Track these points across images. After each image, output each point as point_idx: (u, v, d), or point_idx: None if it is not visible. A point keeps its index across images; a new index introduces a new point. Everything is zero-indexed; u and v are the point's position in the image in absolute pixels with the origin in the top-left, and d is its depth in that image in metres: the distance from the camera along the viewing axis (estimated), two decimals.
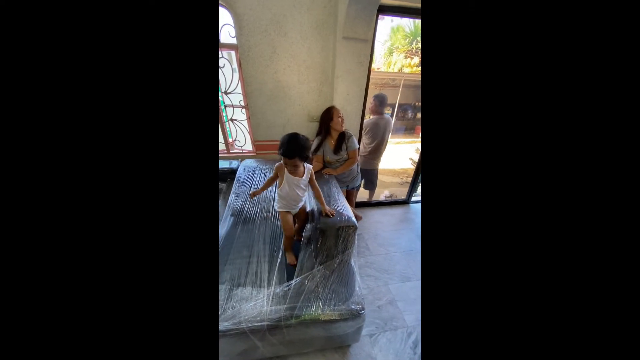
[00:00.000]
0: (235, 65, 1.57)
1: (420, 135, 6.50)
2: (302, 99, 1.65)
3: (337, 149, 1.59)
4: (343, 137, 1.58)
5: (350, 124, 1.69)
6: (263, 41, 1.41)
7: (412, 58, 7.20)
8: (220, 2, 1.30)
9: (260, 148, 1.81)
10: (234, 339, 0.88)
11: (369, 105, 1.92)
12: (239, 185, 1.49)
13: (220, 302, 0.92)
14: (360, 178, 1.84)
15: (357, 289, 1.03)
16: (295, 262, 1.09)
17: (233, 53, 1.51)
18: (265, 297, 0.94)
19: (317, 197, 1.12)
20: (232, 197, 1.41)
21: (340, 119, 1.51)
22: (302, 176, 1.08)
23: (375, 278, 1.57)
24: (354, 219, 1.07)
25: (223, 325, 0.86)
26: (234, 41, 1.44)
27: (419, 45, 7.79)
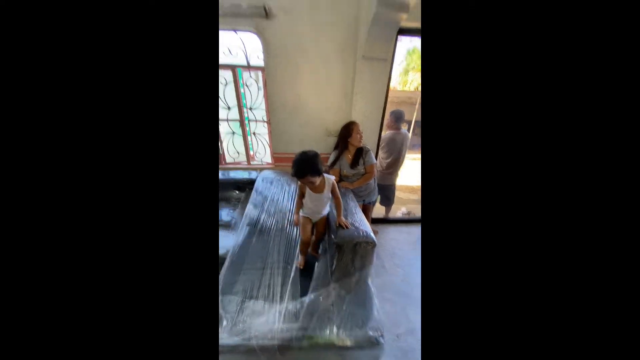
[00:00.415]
0: (261, 84, 1.70)
1: None
2: (320, 114, 1.71)
3: (354, 164, 1.59)
4: (361, 151, 1.59)
5: (367, 139, 1.70)
6: (288, 63, 1.52)
7: None
8: (252, 30, 1.45)
9: (278, 160, 1.87)
10: (242, 356, 0.84)
11: (385, 121, 1.93)
12: (256, 195, 1.52)
13: (232, 315, 0.90)
14: (376, 193, 1.80)
15: (375, 312, 0.95)
16: (302, 266, 1.09)
17: (260, 73, 1.65)
18: (277, 313, 0.91)
19: (337, 206, 1.11)
20: (249, 207, 1.44)
21: (359, 136, 1.53)
22: (323, 191, 1.09)
23: (393, 302, 1.45)
24: (372, 234, 1.03)
25: (233, 340, 0.83)
26: (261, 63, 1.57)
27: None
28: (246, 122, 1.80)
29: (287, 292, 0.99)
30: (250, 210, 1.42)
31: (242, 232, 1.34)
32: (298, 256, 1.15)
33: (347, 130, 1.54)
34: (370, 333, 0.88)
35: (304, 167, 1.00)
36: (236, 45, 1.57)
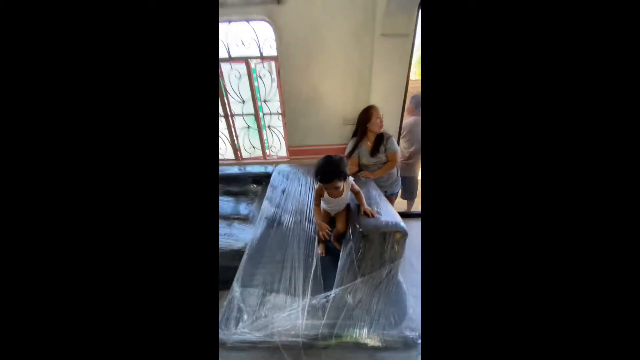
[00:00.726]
0: (274, 75, 1.66)
1: None
2: (337, 103, 1.62)
3: (374, 151, 1.48)
4: (381, 138, 1.47)
5: (387, 126, 1.57)
6: (301, 50, 1.46)
7: None
8: (264, 17, 1.41)
9: (294, 153, 1.82)
10: (265, 353, 0.78)
11: (406, 106, 1.79)
12: (272, 190, 1.48)
13: (252, 308, 0.85)
14: (399, 184, 1.67)
15: (409, 311, 0.84)
16: (324, 254, 1.06)
17: (273, 63, 1.61)
18: (300, 309, 0.83)
19: (358, 198, 1.04)
20: (265, 202, 1.40)
21: (378, 120, 1.42)
22: (342, 194, 1.07)
23: None
24: (402, 223, 0.92)
25: (254, 335, 0.78)
26: (274, 52, 1.53)
27: None
28: (261, 115, 1.78)
29: (309, 285, 0.92)
30: (266, 204, 1.38)
31: (260, 225, 1.30)
32: (318, 244, 1.08)
33: (366, 115, 1.44)
34: (407, 333, 0.78)
35: (332, 172, 0.97)
36: (249, 37, 1.55)
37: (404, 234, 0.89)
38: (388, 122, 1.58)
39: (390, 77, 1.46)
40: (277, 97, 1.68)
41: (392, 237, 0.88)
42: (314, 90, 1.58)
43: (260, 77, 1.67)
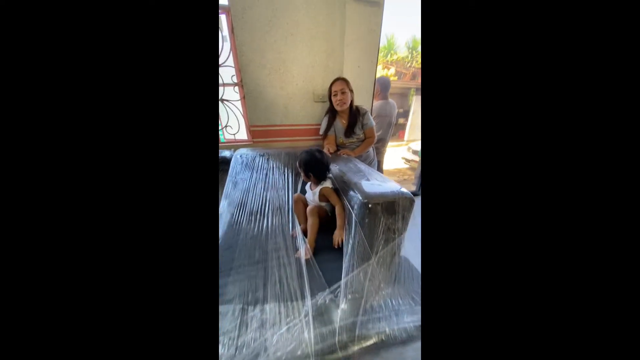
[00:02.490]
0: (226, 32, 1.31)
1: (404, 140, 6.74)
2: (306, 74, 1.43)
3: (349, 130, 1.36)
4: (357, 114, 1.37)
5: (361, 102, 1.50)
6: (261, 1, 1.20)
7: (388, 68, 7.75)
8: None
9: (257, 135, 1.51)
10: None
11: None
12: (236, 174, 1.15)
13: (229, 334, 0.55)
14: (376, 164, 1.61)
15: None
16: (308, 255, 0.81)
17: (223, 17, 1.27)
18: (303, 316, 0.59)
19: (337, 213, 0.88)
20: (229, 186, 1.06)
21: (337, 96, 1.26)
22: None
23: None
24: (404, 189, 0.81)
25: None
26: (224, 1, 1.20)
27: (394, 57, 8.55)
28: None
29: (306, 284, 0.68)
30: (230, 190, 1.04)
31: (222, 219, 0.96)
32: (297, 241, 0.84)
33: (329, 90, 1.31)
34: None
35: (325, 170, 0.96)
36: None
37: (413, 201, 0.78)
38: (362, 98, 1.50)
39: (362, 48, 1.38)
40: (232, 62, 1.34)
41: (402, 204, 0.75)
42: (279, 57, 1.34)
43: None
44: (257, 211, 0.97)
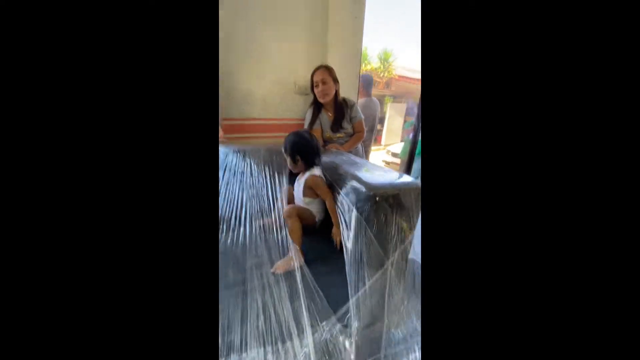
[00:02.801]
0: None
1: (382, 144, 6.95)
2: (285, 61, 1.28)
3: (336, 123, 1.24)
4: (344, 106, 1.25)
5: (346, 94, 1.39)
6: None
7: None
8: None
9: (230, 130, 1.30)
10: None
11: None
12: None
13: None
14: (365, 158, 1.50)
15: None
16: (282, 270, 0.61)
17: None
18: (303, 357, 0.40)
19: (330, 209, 0.74)
20: None
21: (319, 87, 1.13)
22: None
23: None
24: (411, 178, 0.69)
25: None
26: None
27: (368, 67, 9.11)
28: None
29: (305, 312, 0.49)
30: None
31: None
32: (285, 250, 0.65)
33: (311, 80, 1.18)
34: None
35: (314, 152, 0.84)
36: None
37: (420, 192, 0.66)
38: (346, 89, 1.40)
39: (347, 35, 1.29)
40: None
41: (412, 197, 0.61)
42: (254, 38, 1.18)
43: None
44: (230, 217, 0.76)
